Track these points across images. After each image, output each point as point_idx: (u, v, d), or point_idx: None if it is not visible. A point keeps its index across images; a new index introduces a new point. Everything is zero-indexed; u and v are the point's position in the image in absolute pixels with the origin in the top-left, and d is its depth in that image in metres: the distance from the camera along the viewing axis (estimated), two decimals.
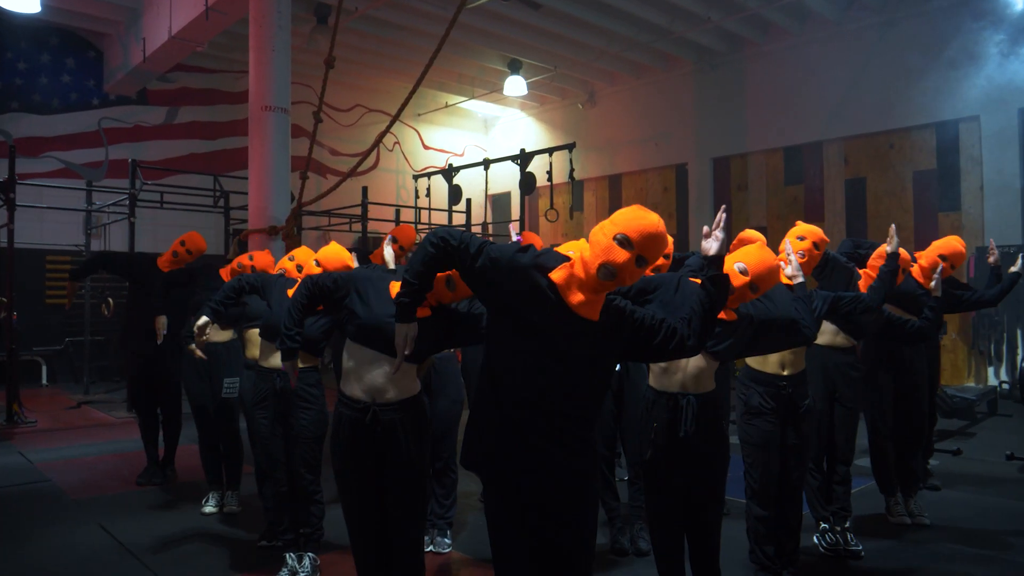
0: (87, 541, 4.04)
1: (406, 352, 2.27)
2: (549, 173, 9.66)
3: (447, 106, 14.27)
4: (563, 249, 2.55)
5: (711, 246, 2.21)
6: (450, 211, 11.35)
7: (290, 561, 3.48)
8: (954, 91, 9.21)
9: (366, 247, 8.85)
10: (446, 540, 3.92)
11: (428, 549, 3.79)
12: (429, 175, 11.89)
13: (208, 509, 4.52)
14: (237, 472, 4.63)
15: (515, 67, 12.01)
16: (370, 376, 2.54)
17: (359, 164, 6.62)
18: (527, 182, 9.90)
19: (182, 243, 5.06)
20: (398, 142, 14.47)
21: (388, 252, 3.03)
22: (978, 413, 7.59)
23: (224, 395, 4.49)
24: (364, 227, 10.44)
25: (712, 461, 2.80)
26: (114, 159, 11.10)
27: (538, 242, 3.90)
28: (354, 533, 2.69)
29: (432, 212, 11.50)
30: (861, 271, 4.06)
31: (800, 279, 3.08)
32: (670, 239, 3.70)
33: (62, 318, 10.13)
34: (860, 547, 3.79)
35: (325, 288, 2.68)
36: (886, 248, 3.66)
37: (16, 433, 6.86)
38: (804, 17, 10.54)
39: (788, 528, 3.32)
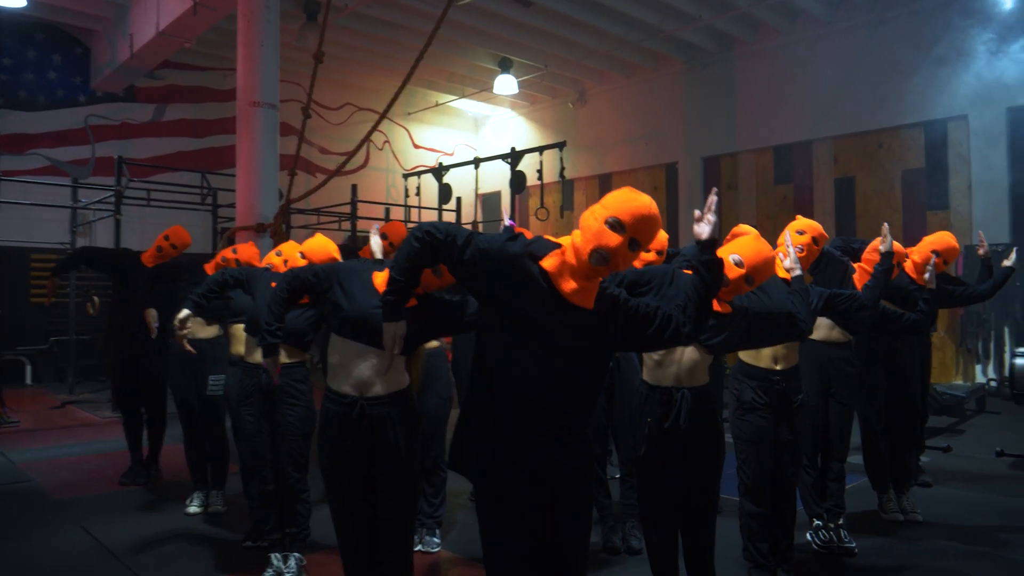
0: (68, 543, 3.95)
1: (395, 352, 2.21)
2: (539, 172, 9.64)
3: (437, 105, 14.22)
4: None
5: (703, 230, 2.14)
6: (440, 210, 11.30)
7: (275, 561, 3.41)
8: (942, 90, 9.25)
9: (355, 245, 8.78)
10: (435, 539, 3.87)
11: (417, 548, 3.73)
12: (419, 174, 11.85)
13: (192, 509, 4.44)
14: (223, 471, 4.56)
15: (505, 66, 11.98)
16: (357, 370, 2.48)
17: (347, 160, 6.56)
18: (517, 181, 9.87)
19: (166, 237, 4.98)
20: (388, 141, 14.40)
21: (375, 242, 2.97)
22: (967, 410, 7.61)
23: (209, 392, 4.41)
24: (353, 226, 10.37)
25: (707, 456, 2.76)
26: (101, 157, 10.98)
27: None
28: (342, 532, 2.62)
29: (422, 211, 11.45)
30: (856, 265, 4.04)
31: (798, 272, 3.05)
32: (665, 235, 3.68)
33: (47, 317, 10.00)
34: (854, 544, 3.77)
35: (306, 282, 2.61)
36: (879, 247, 3.62)
37: None
38: (794, 16, 10.56)
39: (782, 525, 3.29)
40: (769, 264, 2.64)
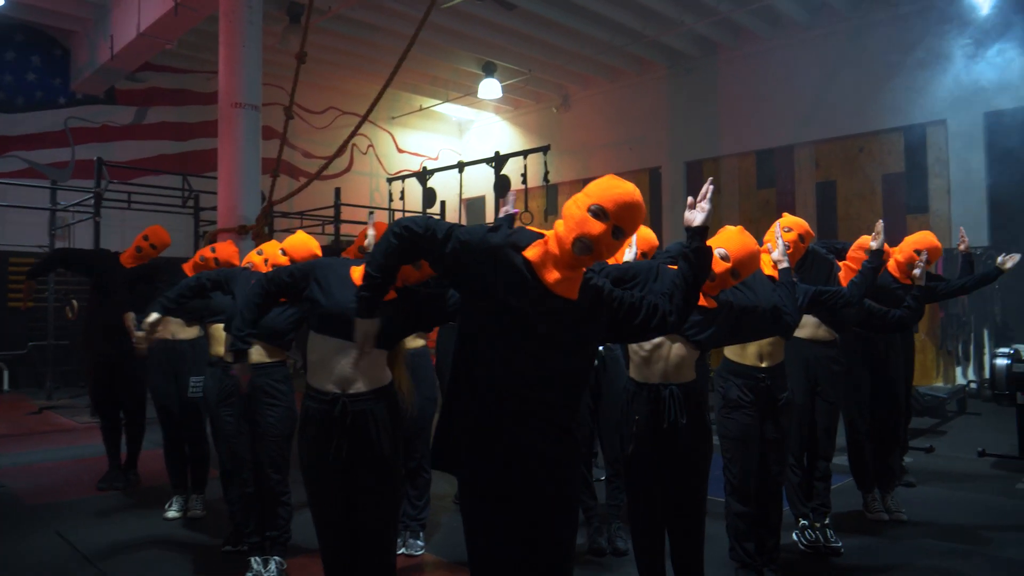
0: (43, 548, 3.86)
1: (365, 350, 2.16)
2: (524, 176, 9.62)
3: (421, 109, 14.19)
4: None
5: (696, 217, 2.11)
6: (424, 214, 11.26)
7: (255, 565, 3.35)
8: (921, 95, 9.36)
9: (339, 248, 8.71)
10: (419, 542, 3.81)
11: (400, 551, 3.68)
12: (403, 178, 11.79)
13: (171, 514, 4.36)
14: (203, 475, 4.47)
15: (489, 70, 11.98)
16: (338, 366, 2.42)
17: (330, 162, 6.51)
18: (501, 185, 9.84)
19: (145, 237, 4.90)
20: (372, 145, 14.36)
21: (371, 233, 2.92)
22: (949, 412, 7.67)
23: (190, 395, 4.33)
24: (337, 229, 10.31)
25: (695, 453, 2.73)
26: (81, 159, 10.84)
27: None
28: (323, 534, 2.56)
29: (406, 215, 11.40)
30: (841, 263, 4.05)
31: (785, 264, 3.04)
32: (654, 236, 3.66)
33: (25, 321, 9.83)
34: (840, 544, 3.76)
35: (282, 283, 2.56)
36: (871, 244, 3.60)
37: None
38: (775, 22, 10.65)
39: (768, 525, 3.27)
40: (755, 257, 2.63)
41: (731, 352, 3.25)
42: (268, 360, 3.33)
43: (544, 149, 9.49)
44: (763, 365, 3.19)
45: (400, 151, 14.89)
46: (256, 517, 3.41)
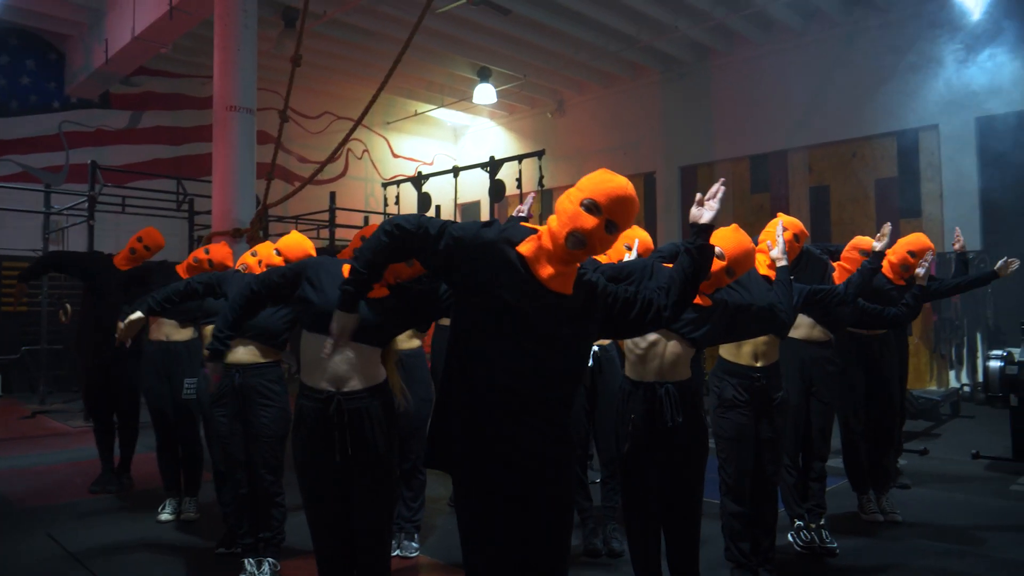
0: (34, 551, 3.83)
1: (339, 343, 2.13)
2: (519, 181, 9.63)
3: (416, 114, 14.21)
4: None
5: (705, 215, 2.11)
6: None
7: (249, 567, 3.33)
8: (914, 100, 9.42)
9: (334, 252, 8.71)
10: (413, 544, 3.80)
11: (395, 553, 3.66)
12: (398, 183, 11.80)
13: (164, 516, 4.33)
14: (196, 478, 4.45)
15: (484, 75, 12.01)
16: (332, 364, 2.41)
17: (324, 165, 6.51)
18: (496, 189, 9.85)
19: (139, 239, 4.87)
20: (367, 150, 14.35)
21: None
22: (942, 415, 7.70)
23: (184, 396, 4.31)
24: (332, 234, 10.30)
25: (691, 451, 2.74)
26: (75, 163, 10.80)
27: None
28: (317, 535, 2.55)
29: None
30: (835, 264, 4.06)
31: (783, 262, 3.05)
32: (649, 237, 3.67)
33: (18, 326, 9.78)
34: (835, 544, 3.76)
35: (272, 285, 2.55)
36: (874, 245, 3.59)
37: None
38: (769, 27, 10.71)
39: (763, 525, 3.27)
40: (749, 256, 2.64)
41: (726, 352, 3.25)
42: (262, 360, 3.31)
43: (539, 154, 9.51)
44: (758, 365, 3.19)
45: (395, 156, 14.89)
46: (250, 518, 3.39)
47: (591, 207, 1.89)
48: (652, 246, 3.62)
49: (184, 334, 4.36)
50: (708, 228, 2.12)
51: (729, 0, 9.71)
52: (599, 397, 3.84)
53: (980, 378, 8.67)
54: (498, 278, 1.93)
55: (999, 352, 5.82)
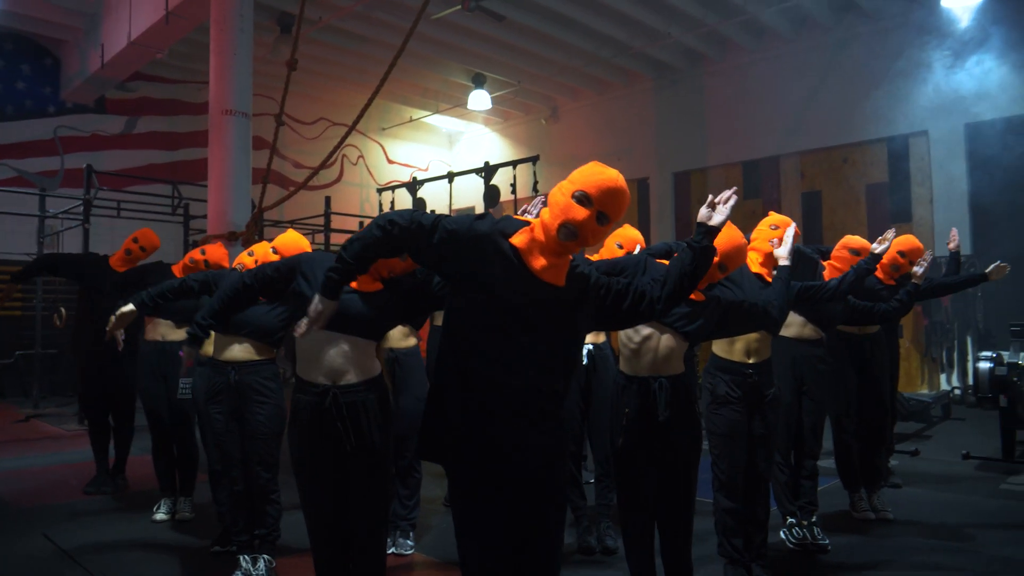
0: (28, 549, 3.83)
1: (315, 327, 2.12)
2: (513, 186, 9.68)
3: (411, 120, 14.26)
4: None
5: (715, 219, 2.14)
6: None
7: (244, 563, 3.34)
8: (904, 107, 9.53)
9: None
10: (409, 542, 3.82)
11: (390, 551, 3.68)
12: (393, 188, 11.83)
13: (159, 516, 4.33)
14: (191, 478, 4.46)
15: (479, 81, 12.08)
16: (328, 357, 2.43)
17: (319, 169, 6.54)
18: (491, 194, 9.89)
19: (135, 240, 4.89)
20: (362, 156, 14.39)
21: None
22: (934, 417, 7.75)
23: (179, 396, 4.31)
24: (327, 238, 10.31)
25: (685, 445, 2.76)
26: (70, 168, 10.80)
27: None
28: (314, 529, 2.56)
29: None
30: (825, 263, 4.11)
31: (786, 261, 3.10)
32: (640, 236, 3.72)
33: (12, 331, 9.76)
34: (827, 541, 3.79)
35: (266, 278, 2.54)
36: (874, 248, 3.59)
37: None
38: (760, 34, 10.82)
39: (756, 520, 3.30)
40: (741, 251, 2.68)
41: (719, 349, 3.29)
42: (257, 358, 3.33)
43: (533, 159, 9.56)
44: (750, 361, 3.23)
45: (390, 162, 14.94)
46: (245, 515, 3.40)
47: (582, 199, 1.92)
48: (644, 244, 3.66)
49: (180, 334, 4.37)
50: (715, 231, 2.15)
51: (721, 7, 9.81)
52: (593, 396, 3.87)
53: (971, 381, 8.73)
54: (492, 269, 1.95)
55: (988, 354, 5.89)
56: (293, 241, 3.22)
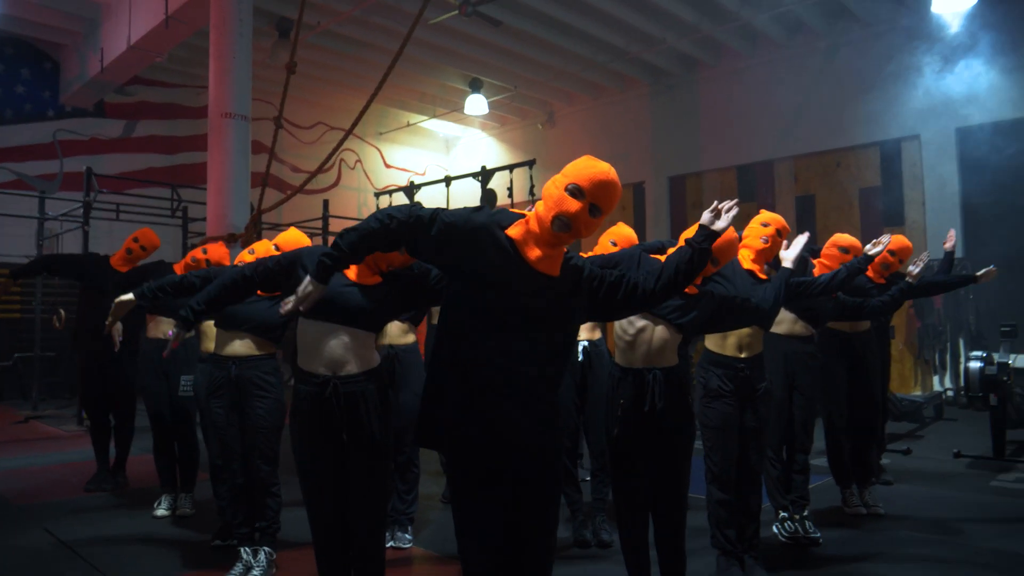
0: (30, 544, 3.88)
1: (300, 308, 2.16)
2: (510, 190, 9.73)
3: (408, 125, 14.34)
4: None
5: (718, 224, 2.24)
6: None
7: (245, 555, 3.39)
8: (896, 111, 9.63)
9: None
10: (407, 536, 3.87)
11: (389, 545, 3.73)
12: (390, 192, 11.89)
13: (160, 512, 4.38)
14: (192, 474, 4.51)
15: (476, 86, 12.16)
16: (328, 348, 2.48)
17: (317, 172, 6.59)
18: (488, 198, 9.95)
19: (135, 239, 4.93)
20: (360, 160, 14.46)
21: None
22: (926, 417, 7.82)
23: (180, 393, 4.38)
24: (325, 241, 10.37)
25: (679, 435, 2.82)
26: (69, 172, 10.84)
27: None
28: (315, 521, 2.60)
29: None
30: (815, 261, 4.18)
31: (788, 263, 3.19)
32: (634, 234, 3.79)
33: (11, 333, 9.78)
34: (819, 535, 3.85)
35: (267, 270, 2.55)
36: (869, 250, 3.62)
37: None
38: (754, 39, 10.92)
39: (748, 512, 3.35)
40: (733, 245, 2.75)
41: (712, 343, 3.36)
42: (258, 353, 3.37)
43: (530, 164, 9.63)
44: (742, 356, 3.29)
45: (388, 166, 15.01)
46: (245, 509, 3.44)
47: (575, 191, 1.99)
48: (636, 242, 3.73)
49: None
50: (716, 235, 2.24)
51: (716, 13, 9.92)
52: (589, 392, 3.93)
53: (963, 382, 8.81)
54: (488, 260, 2.02)
55: (979, 353, 5.96)
56: (295, 239, 3.26)
